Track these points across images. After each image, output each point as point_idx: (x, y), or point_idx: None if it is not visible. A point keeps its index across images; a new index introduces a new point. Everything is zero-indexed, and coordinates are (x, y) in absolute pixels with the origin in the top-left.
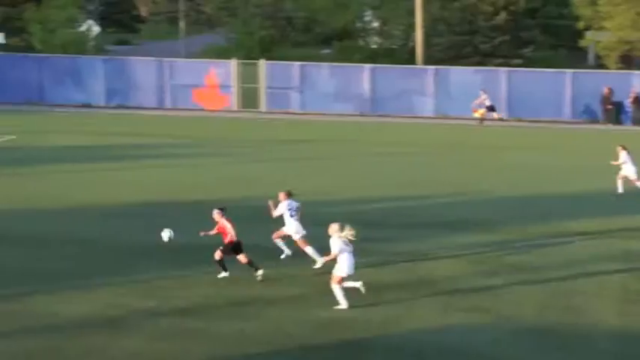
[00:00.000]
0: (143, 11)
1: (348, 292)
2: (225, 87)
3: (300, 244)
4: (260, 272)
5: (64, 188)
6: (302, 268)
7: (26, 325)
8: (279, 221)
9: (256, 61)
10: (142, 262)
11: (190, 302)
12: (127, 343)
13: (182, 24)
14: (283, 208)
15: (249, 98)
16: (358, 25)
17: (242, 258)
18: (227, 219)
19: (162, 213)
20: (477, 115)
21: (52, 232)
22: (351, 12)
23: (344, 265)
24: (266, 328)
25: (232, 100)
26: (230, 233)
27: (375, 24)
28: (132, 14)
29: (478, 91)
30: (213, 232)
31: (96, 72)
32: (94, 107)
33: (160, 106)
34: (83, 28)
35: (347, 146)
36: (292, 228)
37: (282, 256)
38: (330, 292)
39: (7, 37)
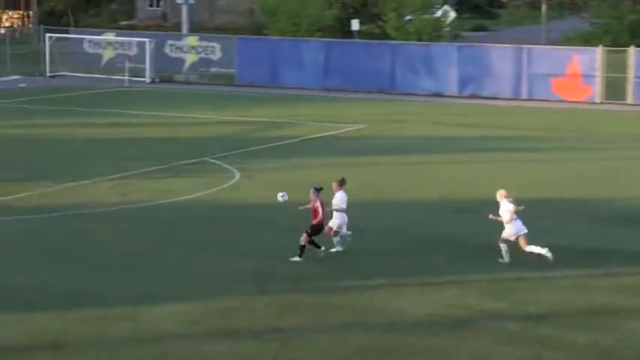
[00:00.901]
0: None
1: None
2: (587, 76)
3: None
4: (322, 249)
5: (408, 181)
6: None
7: (365, 321)
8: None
9: (625, 48)
10: (491, 261)
11: (542, 307)
12: (473, 346)
13: (544, 8)
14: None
15: (614, 89)
16: None
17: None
18: (321, 201)
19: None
20: None
21: (395, 225)
22: None
23: (511, 229)
24: (623, 341)
25: (595, 90)
26: (319, 216)
27: None
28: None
29: None
30: (309, 206)
31: (449, 59)
32: (446, 96)
33: (516, 97)
34: (439, 14)
35: None
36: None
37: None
38: None
39: (361, 23)
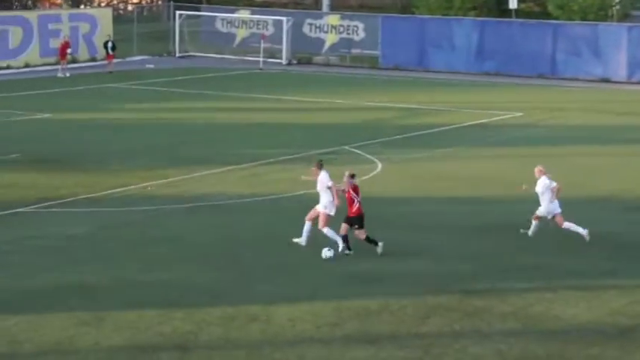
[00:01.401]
0: None
1: None
2: None
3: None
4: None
5: (580, 174)
6: None
7: (521, 327)
8: None
9: None
10: None
11: None
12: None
13: None
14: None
15: None
16: None
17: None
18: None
19: None
20: None
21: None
22: None
23: (547, 208)
24: None
25: None
26: (355, 205)
27: None
28: None
29: None
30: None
31: (618, 41)
32: (614, 82)
33: None
34: None
35: None
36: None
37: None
38: None
39: (520, 1)
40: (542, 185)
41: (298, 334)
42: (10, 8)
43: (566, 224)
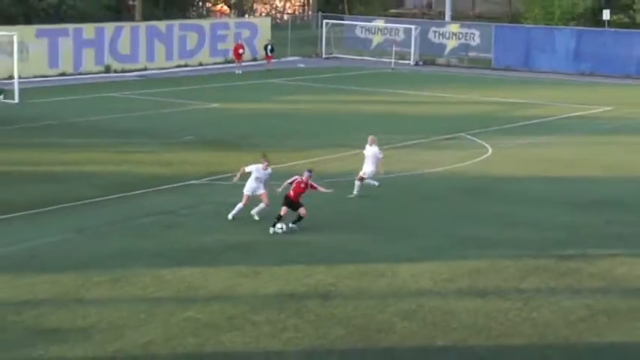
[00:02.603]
0: None
1: None
2: None
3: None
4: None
5: None
6: None
7: (606, 286)
8: None
9: None
10: None
11: None
12: None
13: None
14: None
15: None
16: None
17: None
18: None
19: None
20: None
21: None
22: None
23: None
24: None
25: None
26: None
27: None
28: None
29: None
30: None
31: None
32: None
33: None
34: None
35: None
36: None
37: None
38: None
39: (612, 13)
40: (372, 153)
41: (419, 288)
42: (188, 17)
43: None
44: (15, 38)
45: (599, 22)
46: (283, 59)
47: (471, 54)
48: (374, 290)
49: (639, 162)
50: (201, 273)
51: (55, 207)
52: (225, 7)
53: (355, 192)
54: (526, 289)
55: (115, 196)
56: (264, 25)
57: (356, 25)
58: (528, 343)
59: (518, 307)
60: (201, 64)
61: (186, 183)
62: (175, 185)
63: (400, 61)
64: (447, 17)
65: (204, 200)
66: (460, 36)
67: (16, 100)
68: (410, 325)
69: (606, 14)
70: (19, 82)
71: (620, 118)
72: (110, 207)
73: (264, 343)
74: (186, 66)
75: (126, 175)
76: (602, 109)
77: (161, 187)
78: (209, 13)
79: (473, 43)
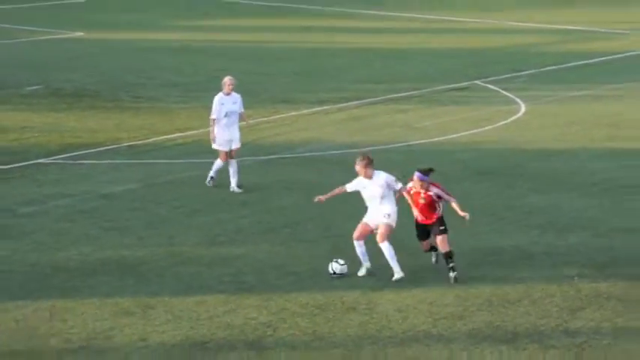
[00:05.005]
0: None
1: None
2: None
3: None
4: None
5: None
6: None
7: None
8: None
9: None
10: None
11: None
12: None
13: None
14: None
15: None
16: None
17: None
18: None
19: None
20: None
21: None
22: None
23: None
24: None
25: None
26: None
27: None
28: None
29: None
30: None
31: None
32: None
33: None
34: None
35: None
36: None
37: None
38: None
39: None
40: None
41: (411, 329)
42: None
43: None
44: None
45: None
46: None
47: None
48: (338, 335)
49: None
50: (55, 310)
51: None
52: None
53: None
54: (579, 329)
55: None
56: None
57: None
58: None
59: (569, 359)
60: None
61: (30, 163)
62: (10, 167)
63: None
64: None
65: (58, 191)
66: None
67: None
68: None
69: None
70: None
71: None
72: None
73: None
74: None
75: None
76: None
77: None
78: None
79: None
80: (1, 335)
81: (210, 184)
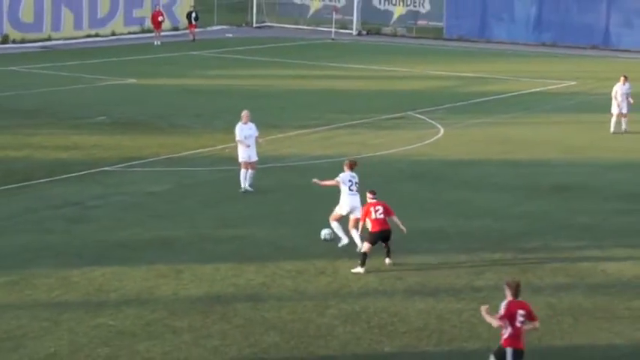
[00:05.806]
0: None
1: None
2: None
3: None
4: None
5: (628, 138)
6: None
7: (574, 282)
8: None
9: None
10: None
11: None
12: None
13: None
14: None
15: None
16: None
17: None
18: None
19: None
20: None
21: (603, 185)
22: None
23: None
24: None
25: None
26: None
27: None
28: None
29: None
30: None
31: None
32: None
33: None
34: None
35: None
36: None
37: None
38: None
39: None
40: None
41: (364, 288)
42: None
43: None
44: None
45: None
46: (209, 28)
47: (421, 22)
48: (312, 291)
49: (605, 143)
50: (114, 273)
51: None
52: None
53: None
54: (482, 287)
55: (14, 185)
56: None
57: None
58: (484, 348)
59: (474, 307)
60: (114, 34)
61: (97, 170)
62: (84, 173)
63: (341, 31)
64: None
65: (117, 190)
66: (408, 2)
67: None
68: (353, 329)
69: None
70: None
71: (584, 93)
72: (8, 198)
73: (186, 353)
74: (97, 36)
75: (27, 160)
76: (564, 84)
77: (68, 175)
78: None
79: (422, 10)
80: (78, 290)
81: (243, 190)
